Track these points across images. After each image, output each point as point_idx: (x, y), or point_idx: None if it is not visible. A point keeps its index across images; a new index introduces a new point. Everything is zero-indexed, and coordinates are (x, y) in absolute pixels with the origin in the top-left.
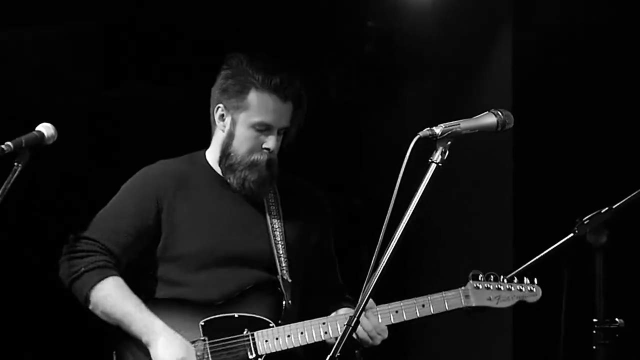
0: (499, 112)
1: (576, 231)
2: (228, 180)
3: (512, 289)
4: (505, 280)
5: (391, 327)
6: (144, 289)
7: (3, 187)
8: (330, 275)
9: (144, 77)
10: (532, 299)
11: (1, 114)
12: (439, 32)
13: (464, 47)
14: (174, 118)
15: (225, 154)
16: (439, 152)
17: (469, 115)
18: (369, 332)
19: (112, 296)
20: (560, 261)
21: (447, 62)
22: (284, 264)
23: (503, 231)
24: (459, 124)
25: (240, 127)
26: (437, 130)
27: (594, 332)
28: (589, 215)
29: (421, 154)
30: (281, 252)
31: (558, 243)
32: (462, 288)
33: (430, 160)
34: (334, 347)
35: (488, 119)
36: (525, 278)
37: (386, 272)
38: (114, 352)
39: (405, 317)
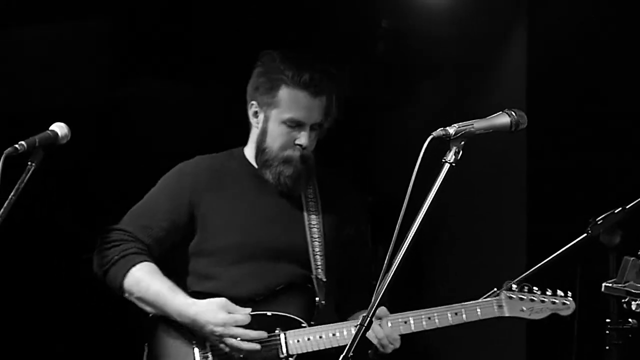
0: (513, 112)
1: (589, 231)
2: (264, 176)
3: (546, 300)
4: (539, 292)
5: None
6: (175, 283)
7: (16, 186)
8: (366, 273)
9: (152, 75)
10: (565, 312)
11: (10, 113)
12: (451, 31)
13: (477, 46)
14: (184, 116)
15: (260, 150)
16: (452, 152)
17: (482, 115)
18: (380, 339)
19: (145, 280)
20: (573, 261)
21: (460, 61)
22: (319, 262)
23: (516, 231)
24: (472, 124)
25: (273, 123)
26: (451, 130)
27: (607, 332)
28: (603, 216)
29: (434, 153)
30: (317, 249)
31: (571, 243)
32: (496, 298)
33: (443, 160)
34: (347, 347)
35: (502, 119)
36: (558, 291)
37: (399, 272)
38: (146, 345)
39: (438, 324)
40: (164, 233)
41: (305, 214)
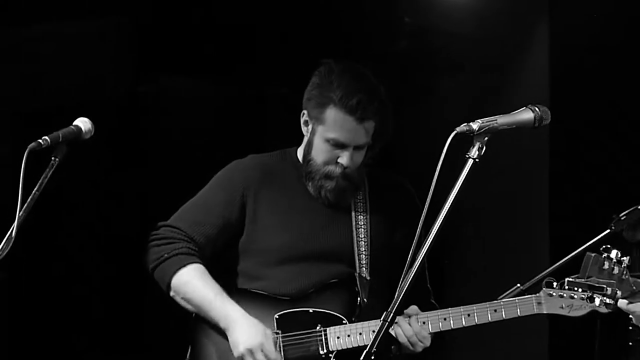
0: (537, 108)
1: (612, 227)
2: (307, 187)
3: (585, 298)
4: (579, 290)
5: None
6: (224, 283)
7: (40, 181)
8: (421, 275)
9: (174, 72)
10: (604, 310)
11: (34, 109)
12: (473, 29)
13: (499, 44)
14: (205, 113)
15: (305, 160)
16: (476, 147)
17: (504, 112)
18: (409, 337)
19: (193, 282)
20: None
21: (482, 59)
22: (364, 262)
23: (539, 227)
24: (496, 120)
25: (318, 138)
26: (475, 125)
27: (630, 328)
28: (626, 212)
29: (457, 149)
30: (363, 249)
31: (594, 239)
32: (536, 295)
33: (467, 156)
34: (370, 342)
35: (525, 114)
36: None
37: (422, 269)
38: (190, 347)
39: (477, 321)
40: (215, 230)
41: (353, 214)
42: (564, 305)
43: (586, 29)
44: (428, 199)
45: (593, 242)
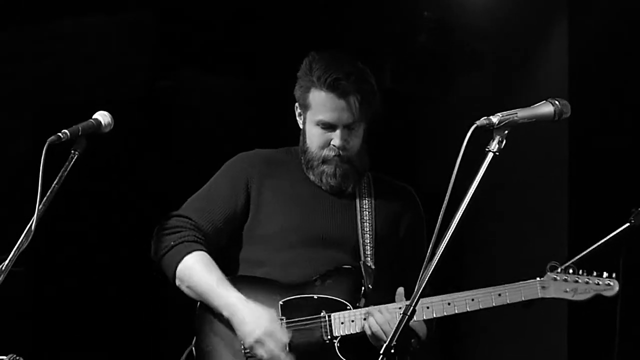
0: (557, 102)
1: (632, 221)
2: (310, 178)
3: (590, 282)
4: (584, 273)
5: (445, 320)
6: (227, 270)
7: (60, 174)
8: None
9: (197, 67)
10: (609, 293)
11: (56, 104)
12: (493, 22)
13: (518, 38)
14: (227, 108)
15: (302, 151)
16: (495, 141)
17: (524, 106)
18: (381, 325)
19: (196, 269)
20: (616, 251)
21: (501, 53)
22: (368, 252)
23: (558, 221)
24: (516, 113)
25: (309, 125)
26: (494, 119)
27: None
28: None
29: (475, 143)
30: (367, 240)
31: (613, 233)
32: (540, 279)
33: (487, 149)
34: (390, 336)
35: (545, 108)
36: (604, 272)
37: (442, 262)
38: (194, 336)
39: (480, 306)
40: (222, 218)
41: (358, 208)
42: (568, 289)
43: (605, 24)
44: (448, 193)
45: (612, 236)
